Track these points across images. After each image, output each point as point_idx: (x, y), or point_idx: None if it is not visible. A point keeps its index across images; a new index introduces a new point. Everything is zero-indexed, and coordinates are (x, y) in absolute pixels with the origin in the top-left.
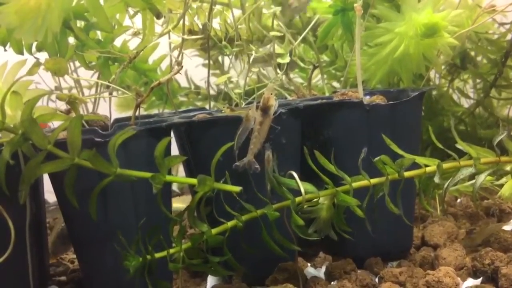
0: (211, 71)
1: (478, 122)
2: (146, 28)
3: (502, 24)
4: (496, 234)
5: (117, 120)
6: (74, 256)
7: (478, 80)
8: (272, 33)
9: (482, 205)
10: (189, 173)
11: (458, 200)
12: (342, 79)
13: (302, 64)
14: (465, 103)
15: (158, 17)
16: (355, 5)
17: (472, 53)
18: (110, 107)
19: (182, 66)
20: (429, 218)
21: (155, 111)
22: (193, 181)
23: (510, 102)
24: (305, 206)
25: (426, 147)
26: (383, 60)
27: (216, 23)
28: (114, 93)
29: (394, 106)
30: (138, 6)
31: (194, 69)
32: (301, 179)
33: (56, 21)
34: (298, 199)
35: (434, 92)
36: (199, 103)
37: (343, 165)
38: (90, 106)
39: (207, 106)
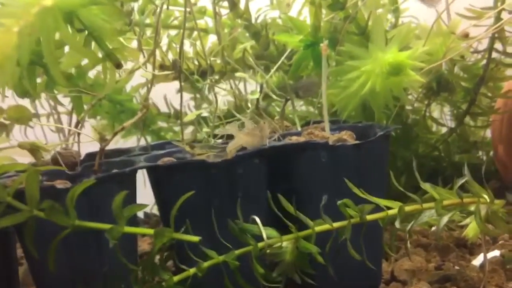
0: (191, 95)
1: (457, 145)
2: (107, 77)
3: (475, 52)
4: (463, 272)
5: (89, 155)
6: None
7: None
8: (238, 74)
9: (453, 236)
10: (161, 211)
11: (433, 228)
12: (318, 105)
13: (274, 96)
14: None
15: (118, 67)
16: (321, 44)
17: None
18: (78, 144)
19: (148, 109)
20: (401, 250)
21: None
22: (151, 231)
23: (486, 127)
24: (268, 251)
25: (401, 173)
26: (353, 94)
27: (189, 55)
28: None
29: (359, 146)
30: (96, 62)
31: (174, 94)
32: (272, 221)
33: (24, 62)
34: (260, 244)
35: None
36: (177, 128)
37: (309, 207)
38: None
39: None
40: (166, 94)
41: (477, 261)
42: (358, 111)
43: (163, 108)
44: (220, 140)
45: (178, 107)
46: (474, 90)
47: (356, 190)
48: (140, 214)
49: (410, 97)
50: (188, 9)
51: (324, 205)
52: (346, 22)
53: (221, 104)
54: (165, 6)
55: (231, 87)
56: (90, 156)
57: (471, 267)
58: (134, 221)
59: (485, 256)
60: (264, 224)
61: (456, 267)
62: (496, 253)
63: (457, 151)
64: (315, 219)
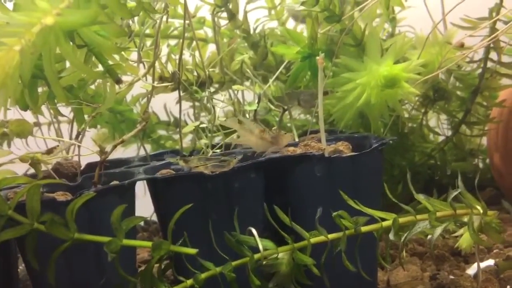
0: (191, 103)
1: (454, 153)
2: (107, 92)
3: (471, 61)
4: (457, 282)
5: (90, 165)
6: None
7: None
8: (235, 87)
9: (449, 245)
10: (160, 222)
11: (429, 237)
12: (316, 114)
13: (272, 107)
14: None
15: (118, 82)
16: (317, 57)
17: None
18: (79, 155)
19: (147, 123)
20: (397, 258)
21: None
22: (149, 244)
23: (482, 136)
24: (264, 262)
25: (398, 182)
26: (349, 105)
27: (188, 65)
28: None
29: (354, 158)
30: (96, 78)
31: (174, 102)
32: (270, 233)
33: (26, 79)
34: (257, 255)
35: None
36: (177, 136)
37: (306, 218)
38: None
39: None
40: (166, 102)
41: (472, 270)
42: (355, 121)
43: (163, 117)
44: (218, 151)
45: (177, 116)
46: (469, 99)
47: (350, 202)
48: None
49: (407, 105)
50: (187, 21)
51: (320, 217)
52: (342, 34)
53: (221, 114)
54: (164, 18)
55: (230, 97)
56: (91, 166)
57: (466, 276)
58: (133, 229)
59: (478, 266)
60: (261, 236)
61: (451, 277)
62: (490, 262)
63: (454, 159)
64: (312, 230)
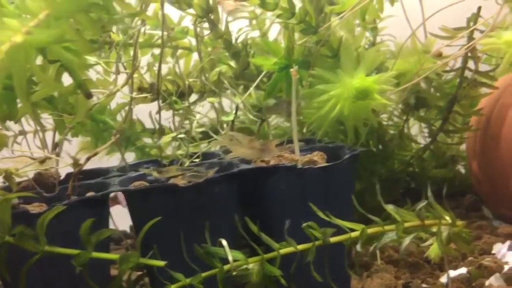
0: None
1: (434, 160)
2: (79, 107)
3: (449, 70)
4: None
5: (69, 175)
6: None
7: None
8: (210, 100)
9: (424, 253)
10: (136, 234)
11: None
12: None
13: (251, 116)
14: (422, 140)
15: (89, 96)
16: (291, 69)
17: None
18: (57, 165)
19: (120, 135)
20: (373, 266)
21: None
22: (117, 256)
23: (460, 144)
24: (234, 273)
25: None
26: (324, 116)
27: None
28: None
29: (326, 168)
30: (67, 93)
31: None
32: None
33: None
34: (226, 266)
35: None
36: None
37: (278, 229)
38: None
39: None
40: (152, 110)
41: (445, 278)
42: (335, 128)
43: (150, 124)
44: (197, 160)
45: (163, 123)
46: (447, 108)
47: (320, 213)
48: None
49: (389, 113)
50: (165, 33)
51: (294, 227)
52: (318, 45)
53: (205, 121)
54: (147, 28)
55: (214, 106)
56: (71, 176)
57: (438, 284)
58: (106, 241)
59: (448, 276)
60: (236, 247)
61: (424, 285)
62: (463, 270)
63: (434, 165)
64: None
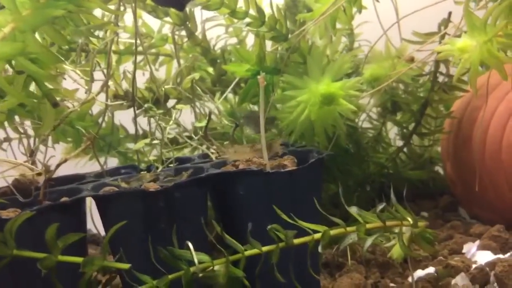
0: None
1: (410, 162)
2: (46, 117)
3: (420, 75)
4: None
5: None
6: None
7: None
8: (178, 106)
9: None
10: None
11: (386, 244)
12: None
13: (226, 122)
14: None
15: (55, 106)
16: (258, 77)
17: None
18: (33, 173)
19: (91, 142)
20: (346, 266)
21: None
22: (80, 260)
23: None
24: (200, 275)
25: (354, 191)
26: (294, 120)
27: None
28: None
29: (293, 172)
30: (32, 104)
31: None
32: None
33: None
34: (192, 268)
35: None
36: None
37: (246, 232)
38: None
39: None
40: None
41: (415, 277)
42: (308, 133)
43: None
44: (173, 165)
45: (146, 128)
46: (420, 111)
47: (284, 216)
48: None
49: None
50: (144, 40)
51: (263, 230)
52: (288, 52)
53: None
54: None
55: (195, 112)
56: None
57: (406, 284)
58: (81, 245)
59: (412, 277)
60: (205, 250)
61: (392, 284)
62: (431, 270)
63: (412, 167)
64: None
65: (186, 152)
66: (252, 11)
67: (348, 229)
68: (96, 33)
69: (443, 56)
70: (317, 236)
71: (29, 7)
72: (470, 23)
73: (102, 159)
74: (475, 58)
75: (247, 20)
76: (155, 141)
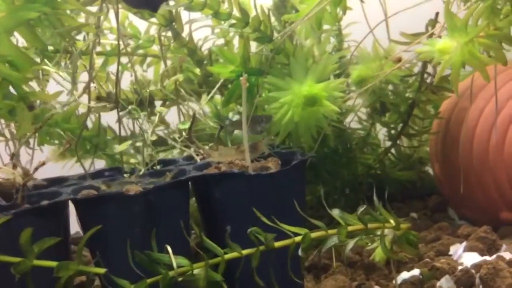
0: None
1: (398, 163)
2: (22, 120)
3: (407, 76)
4: None
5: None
6: None
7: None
8: (158, 109)
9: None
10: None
11: (370, 246)
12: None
13: (211, 123)
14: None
15: (31, 109)
16: (240, 78)
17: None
18: (15, 176)
19: (70, 144)
20: (331, 268)
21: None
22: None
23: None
24: (179, 279)
25: (341, 193)
26: (277, 122)
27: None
28: None
29: (275, 174)
30: (8, 106)
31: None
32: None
33: None
34: (171, 272)
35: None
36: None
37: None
38: None
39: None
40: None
41: (399, 279)
42: (293, 134)
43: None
44: (158, 167)
45: (133, 130)
46: (407, 112)
47: (264, 219)
48: None
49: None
50: (130, 41)
51: (245, 233)
52: (272, 53)
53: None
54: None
55: (182, 113)
56: (34, 185)
57: (391, 286)
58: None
59: (395, 280)
60: (188, 253)
61: (376, 286)
62: (416, 272)
63: (401, 168)
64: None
65: (175, 153)
66: (236, 12)
67: (330, 231)
68: (80, 35)
69: (423, 58)
70: (298, 239)
71: (4, 9)
72: (451, 24)
73: (89, 161)
74: (456, 59)
75: (231, 21)
76: (138, 144)
